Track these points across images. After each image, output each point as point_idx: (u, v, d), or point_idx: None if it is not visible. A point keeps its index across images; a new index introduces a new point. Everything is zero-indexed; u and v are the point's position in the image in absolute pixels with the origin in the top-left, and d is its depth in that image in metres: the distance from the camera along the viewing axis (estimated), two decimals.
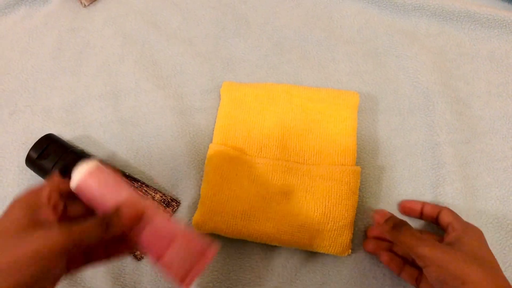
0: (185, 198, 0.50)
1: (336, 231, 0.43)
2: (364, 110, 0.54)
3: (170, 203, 0.49)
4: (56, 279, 0.31)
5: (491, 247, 0.47)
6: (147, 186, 0.49)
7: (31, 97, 0.57)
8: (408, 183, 0.50)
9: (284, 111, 0.51)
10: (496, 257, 0.46)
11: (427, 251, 0.37)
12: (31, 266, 0.28)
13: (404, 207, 0.48)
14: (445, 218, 0.43)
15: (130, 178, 0.49)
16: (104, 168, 0.35)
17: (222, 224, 0.44)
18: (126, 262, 0.47)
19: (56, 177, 0.34)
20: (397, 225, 0.41)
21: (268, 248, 0.48)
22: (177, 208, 0.49)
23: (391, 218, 0.42)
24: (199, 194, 0.48)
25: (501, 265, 0.46)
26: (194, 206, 0.49)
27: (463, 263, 0.36)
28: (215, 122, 0.53)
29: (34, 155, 0.48)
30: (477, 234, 0.41)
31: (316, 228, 0.43)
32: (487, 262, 0.38)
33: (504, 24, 0.59)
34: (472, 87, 0.56)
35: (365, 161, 0.51)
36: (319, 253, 0.47)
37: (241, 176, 0.47)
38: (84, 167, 0.34)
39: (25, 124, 0.55)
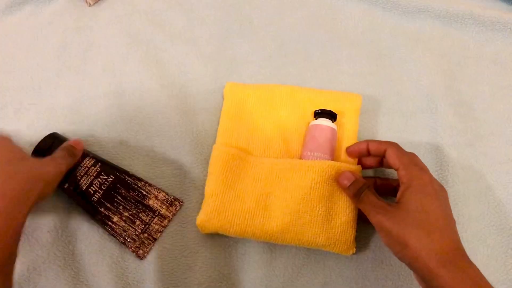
0: (189, 198, 0.50)
1: (339, 228, 0.44)
2: (367, 111, 0.54)
3: (173, 202, 0.49)
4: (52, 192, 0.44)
5: (494, 251, 0.47)
6: (150, 185, 0.49)
7: (36, 96, 0.57)
8: None
9: (287, 112, 0.52)
10: (498, 259, 0.47)
11: (376, 219, 0.39)
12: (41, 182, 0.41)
13: (351, 151, 0.48)
14: (390, 161, 0.43)
15: (133, 177, 0.49)
16: None
17: (226, 223, 0.44)
18: (129, 261, 0.47)
19: None
20: (358, 191, 0.42)
21: (269, 248, 0.48)
22: (180, 208, 0.49)
23: (354, 182, 0.43)
24: (203, 194, 0.48)
25: (503, 267, 0.46)
26: (197, 206, 0.49)
27: (404, 226, 0.37)
28: (218, 122, 0.53)
29: (39, 154, 0.48)
30: (423, 183, 0.40)
31: (320, 226, 0.44)
32: (428, 218, 0.37)
33: (508, 27, 0.59)
34: (475, 90, 0.56)
35: None
36: (321, 254, 0.47)
37: (245, 176, 0.47)
38: None
39: (30, 122, 0.55)
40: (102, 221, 0.47)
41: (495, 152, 0.52)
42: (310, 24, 0.61)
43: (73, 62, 0.59)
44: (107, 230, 0.47)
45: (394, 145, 0.43)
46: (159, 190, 0.49)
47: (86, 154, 0.49)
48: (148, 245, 0.47)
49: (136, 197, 0.48)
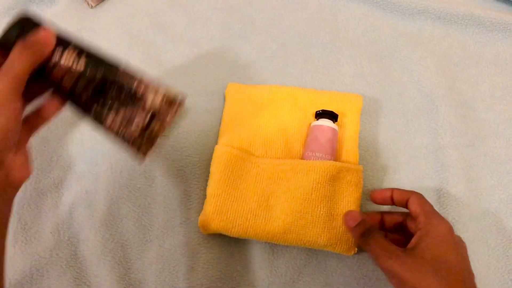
0: (191, 199, 0.50)
1: (341, 228, 0.44)
2: (368, 112, 0.55)
3: (173, 100, 0.41)
4: (20, 119, 0.36)
5: (494, 250, 0.47)
6: (146, 82, 0.40)
7: None
8: (411, 185, 0.51)
9: (288, 113, 0.52)
10: (499, 260, 0.47)
11: (388, 265, 0.37)
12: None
13: (375, 198, 0.46)
14: (412, 208, 0.41)
15: (126, 74, 0.40)
16: None
17: (228, 223, 0.45)
18: (131, 262, 0.47)
19: None
20: (365, 233, 0.40)
21: (271, 248, 0.48)
22: (181, 106, 0.42)
23: (360, 223, 0.41)
24: (204, 194, 0.48)
25: (504, 267, 0.47)
26: (199, 206, 0.49)
27: (419, 273, 0.35)
28: (220, 123, 0.53)
29: (6, 40, 0.37)
30: (442, 233, 0.38)
31: (321, 226, 0.44)
32: (447, 268, 0.36)
33: (508, 28, 0.59)
34: (476, 90, 0.56)
35: (369, 163, 0.52)
36: (323, 254, 0.47)
37: (247, 176, 0.47)
38: None
39: None
40: (95, 124, 0.40)
41: (496, 152, 0.52)
42: (311, 25, 0.61)
43: None
44: (104, 134, 0.41)
45: (419, 194, 0.42)
46: (157, 88, 0.40)
47: (66, 43, 0.38)
48: (149, 147, 0.41)
49: (131, 96, 0.40)
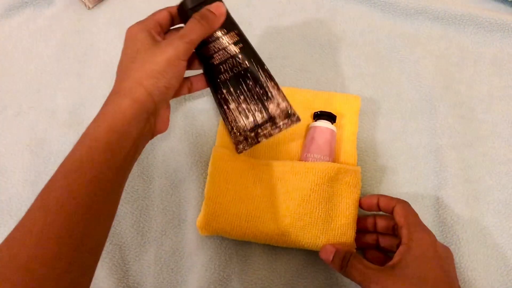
0: (188, 199, 0.50)
1: (339, 230, 0.44)
2: (366, 113, 0.55)
3: (291, 115, 0.46)
4: (181, 80, 0.42)
5: (493, 251, 0.47)
6: (278, 89, 0.46)
7: (35, 99, 0.57)
8: (410, 186, 0.51)
9: None
10: (499, 260, 0.47)
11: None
12: (169, 69, 0.38)
13: (362, 205, 0.45)
14: (396, 218, 0.41)
15: (266, 73, 0.46)
16: None
17: (226, 225, 0.44)
18: (130, 264, 0.47)
19: (164, 10, 0.43)
20: (342, 263, 0.40)
21: (270, 249, 0.48)
22: (295, 123, 0.46)
23: (336, 254, 0.41)
24: (202, 195, 0.48)
25: (503, 267, 0.47)
26: (197, 208, 0.49)
27: None
28: (217, 123, 0.53)
29: (182, 12, 0.44)
30: (424, 248, 0.37)
31: (320, 228, 0.44)
32: (429, 283, 0.35)
33: (506, 28, 0.59)
34: (474, 91, 0.56)
35: (367, 164, 0.52)
36: None
37: (245, 178, 0.47)
38: None
39: (29, 125, 0.55)
40: (219, 102, 0.46)
41: (495, 152, 0.52)
42: (309, 26, 0.61)
43: (72, 65, 0.59)
44: (220, 112, 0.47)
45: (404, 203, 0.42)
46: (284, 98, 0.46)
47: (231, 26, 0.44)
48: (249, 144, 0.47)
49: (260, 95, 0.45)
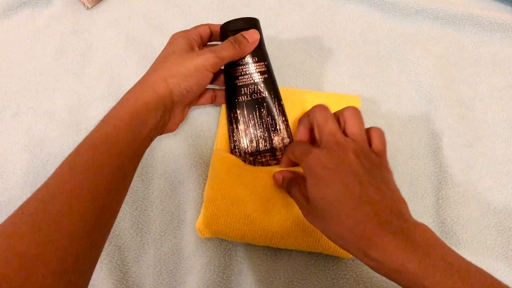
0: (188, 201, 0.50)
1: None
2: (366, 113, 0.54)
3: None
4: (203, 89, 0.45)
5: (493, 250, 0.47)
6: (287, 126, 0.49)
7: (33, 99, 0.57)
8: (409, 186, 0.51)
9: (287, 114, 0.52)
10: (498, 260, 0.47)
11: (305, 219, 0.39)
12: (194, 75, 0.42)
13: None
14: (296, 161, 0.42)
15: (281, 109, 0.49)
16: None
17: (226, 228, 0.44)
18: (129, 265, 0.47)
19: (206, 25, 0.48)
20: (287, 188, 0.43)
21: (270, 251, 0.48)
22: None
23: (283, 180, 0.44)
24: (202, 196, 0.48)
25: (504, 268, 0.47)
26: (197, 208, 0.49)
27: (316, 221, 0.37)
28: (217, 124, 0.53)
29: (224, 31, 0.48)
30: (312, 169, 0.36)
31: (320, 232, 0.43)
32: (332, 206, 0.35)
33: (506, 28, 0.59)
34: (474, 91, 0.56)
35: None
36: (322, 257, 0.47)
37: (245, 180, 0.47)
38: None
39: (28, 126, 0.55)
40: (230, 120, 0.49)
41: (494, 152, 0.52)
42: (308, 26, 0.61)
43: (70, 65, 0.59)
44: (228, 129, 0.50)
45: (290, 146, 0.42)
46: (290, 135, 0.49)
47: (262, 57, 0.48)
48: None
49: (270, 125, 0.48)
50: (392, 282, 0.44)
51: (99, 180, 0.34)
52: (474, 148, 0.52)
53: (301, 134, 0.44)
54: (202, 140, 0.53)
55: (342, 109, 0.41)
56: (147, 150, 0.52)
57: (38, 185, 0.50)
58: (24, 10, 0.63)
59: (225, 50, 0.44)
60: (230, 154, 0.48)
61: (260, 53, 0.48)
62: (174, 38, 0.46)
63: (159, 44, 0.60)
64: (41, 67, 0.59)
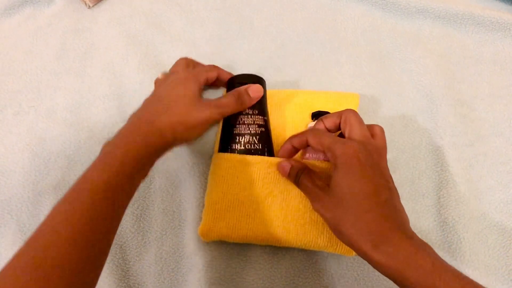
0: (189, 200, 0.50)
1: None
2: (367, 112, 0.54)
3: None
4: (198, 138, 0.46)
5: (494, 250, 0.47)
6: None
7: (35, 98, 0.57)
8: (410, 185, 0.51)
9: (285, 115, 0.52)
10: (499, 260, 0.47)
11: (314, 208, 0.40)
12: (198, 127, 0.43)
13: (282, 156, 0.45)
14: (316, 150, 0.44)
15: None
16: None
17: (227, 229, 0.44)
18: (130, 264, 0.47)
19: (215, 71, 0.49)
20: (296, 177, 0.42)
21: (271, 250, 0.48)
22: None
23: (291, 169, 0.43)
24: (203, 195, 0.48)
25: (504, 267, 0.47)
26: (198, 207, 0.49)
27: (336, 214, 0.37)
28: (218, 125, 0.53)
29: (230, 84, 0.49)
30: (347, 159, 0.37)
31: (321, 226, 0.44)
32: (359, 201, 0.36)
33: (508, 27, 0.59)
34: (475, 90, 0.56)
35: None
36: (323, 255, 0.47)
37: (244, 180, 0.47)
38: None
39: (29, 125, 0.55)
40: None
41: (496, 152, 0.52)
42: (310, 25, 0.61)
43: (72, 64, 0.59)
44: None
45: (312, 132, 0.42)
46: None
47: (262, 112, 0.48)
48: None
49: None
50: (392, 282, 0.45)
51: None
52: (475, 147, 0.52)
53: (285, 151, 0.45)
54: (204, 139, 0.53)
55: (345, 115, 0.42)
56: None
57: (40, 184, 0.51)
58: (25, 9, 0.63)
59: (228, 107, 0.45)
60: (230, 154, 0.48)
61: (261, 107, 0.48)
62: (186, 78, 0.45)
63: (160, 43, 0.60)
64: (43, 66, 0.59)
